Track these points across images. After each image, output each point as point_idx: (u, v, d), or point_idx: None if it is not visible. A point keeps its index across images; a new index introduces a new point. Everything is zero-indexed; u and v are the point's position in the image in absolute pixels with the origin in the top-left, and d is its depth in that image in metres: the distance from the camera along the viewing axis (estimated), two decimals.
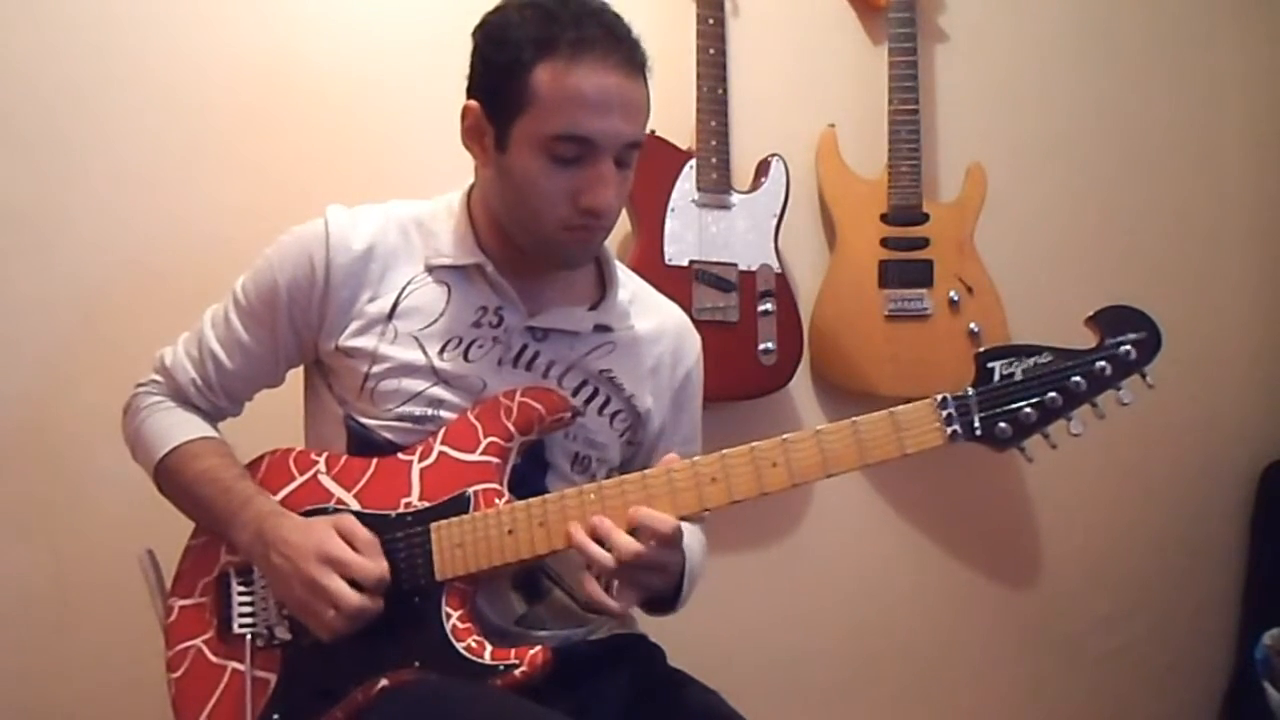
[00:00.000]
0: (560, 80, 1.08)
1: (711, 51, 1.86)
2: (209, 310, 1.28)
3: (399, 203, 1.27)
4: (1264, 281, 2.39)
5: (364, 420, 1.20)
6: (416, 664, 1.08)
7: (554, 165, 1.11)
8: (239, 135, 1.72)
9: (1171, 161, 2.30)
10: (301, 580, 1.07)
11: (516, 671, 1.06)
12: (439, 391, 1.19)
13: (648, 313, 1.33)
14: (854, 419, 1.07)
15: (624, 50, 1.10)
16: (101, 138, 1.67)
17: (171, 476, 1.23)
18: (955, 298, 1.98)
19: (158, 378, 1.29)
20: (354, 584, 1.07)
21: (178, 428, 1.25)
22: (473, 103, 1.16)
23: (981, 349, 1.08)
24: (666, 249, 1.83)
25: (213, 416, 1.29)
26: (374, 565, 1.08)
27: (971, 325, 1.98)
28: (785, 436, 1.09)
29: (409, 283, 1.21)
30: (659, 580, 1.12)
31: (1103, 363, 1.07)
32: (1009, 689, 2.23)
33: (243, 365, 1.26)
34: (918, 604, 2.15)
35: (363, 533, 1.10)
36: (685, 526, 1.19)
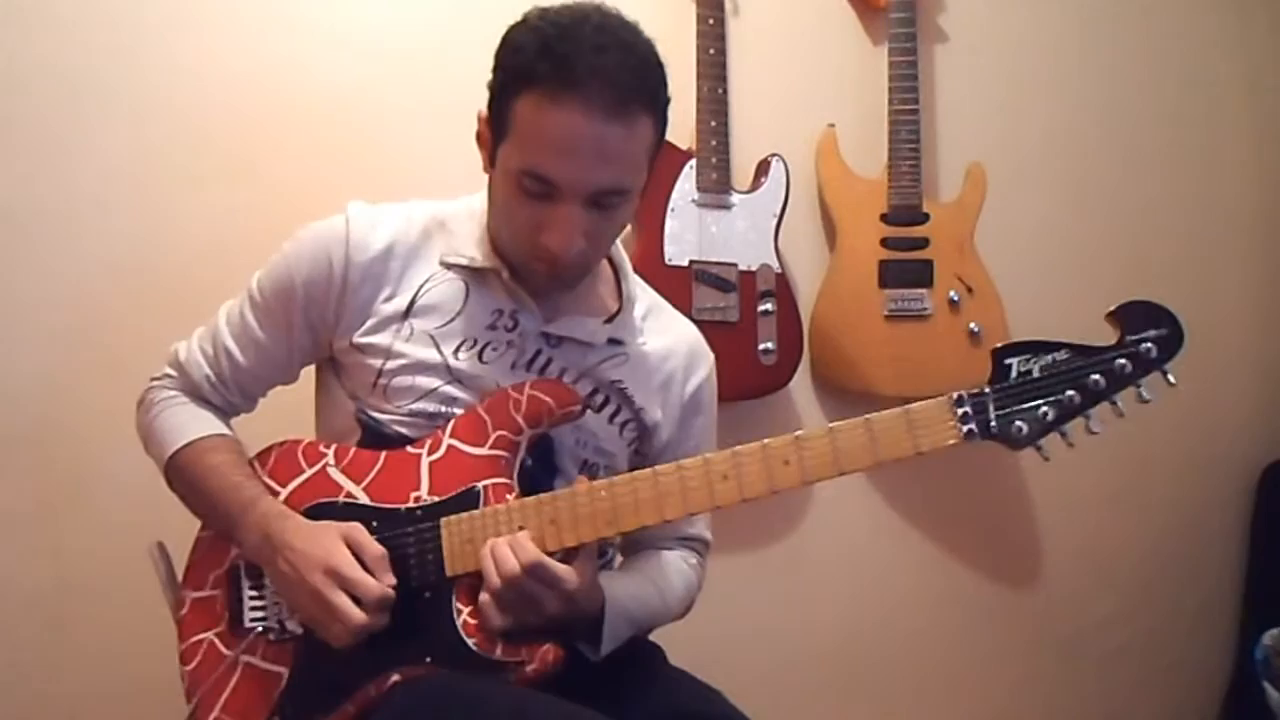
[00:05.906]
0: (533, 117, 1.07)
1: (711, 51, 1.86)
2: (224, 306, 1.27)
3: (420, 201, 1.26)
4: (1265, 281, 2.39)
5: (376, 414, 1.19)
6: (428, 660, 1.08)
7: (524, 197, 1.11)
8: (235, 140, 1.72)
9: (1172, 161, 2.30)
10: (307, 591, 1.06)
11: (527, 669, 1.06)
12: (452, 390, 1.18)
13: (662, 329, 1.33)
14: (867, 416, 1.05)
15: (615, 92, 1.05)
16: (100, 142, 1.67)
17: (181, 473, 1.22)
18: (955, 298, 1.98)
19: (171, 372, 1.28)
20: (357, 600, 1.05)
21: (190, 424, 1.23)
22: (483, 110, 1.16)
23: (999, 345, 1.05)
24: (666, 249, 1.83)
25: (226, 412, 1.28)
26: (377, 585, 1.06)
27: (971, 325, 1.98)
28: (798, 434, 1.07)
29: (427, 279, 1.20)
30: (534, 617, 1.08)
31: (1123, 360, 1.04)
32: (1009, 689, 2.23)
33: (257, 362, 1.25)
34: (918, 603, 2.15)
35: (371, 548, 1.08)
36: (654, 569, 1.28)
